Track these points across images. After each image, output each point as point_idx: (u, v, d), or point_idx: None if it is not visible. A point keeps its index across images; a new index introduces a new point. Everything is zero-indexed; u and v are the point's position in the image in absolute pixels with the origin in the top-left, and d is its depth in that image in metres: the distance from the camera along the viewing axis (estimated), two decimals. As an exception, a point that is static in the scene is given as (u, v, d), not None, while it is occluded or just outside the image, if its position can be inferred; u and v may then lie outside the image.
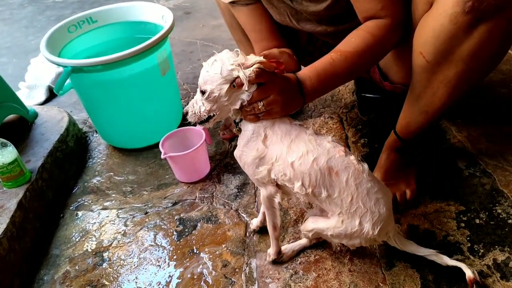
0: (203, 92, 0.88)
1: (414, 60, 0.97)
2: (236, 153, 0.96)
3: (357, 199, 0.88)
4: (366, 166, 0.90)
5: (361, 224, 0.89)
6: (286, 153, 0.89)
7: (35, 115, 1.59)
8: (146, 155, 1.54)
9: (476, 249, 1.01)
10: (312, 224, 0.98)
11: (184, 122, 1.62)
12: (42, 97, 1.91)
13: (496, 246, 1.01)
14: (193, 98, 0.96)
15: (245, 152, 0.93)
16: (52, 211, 1.35)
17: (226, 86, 0.86)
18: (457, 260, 0.99)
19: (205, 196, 1.32)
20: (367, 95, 1.45)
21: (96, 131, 1.67)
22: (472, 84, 0.96)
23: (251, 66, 0.85)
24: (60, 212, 1.35)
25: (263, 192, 0.98)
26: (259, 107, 0.87)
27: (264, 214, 1.10)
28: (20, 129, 1.52)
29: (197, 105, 0.92)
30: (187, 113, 0.95)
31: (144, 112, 1.50)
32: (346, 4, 1.02)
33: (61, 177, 1.45)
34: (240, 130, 0.95)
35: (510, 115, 1.38)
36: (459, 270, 0.96)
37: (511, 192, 1.12)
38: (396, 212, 1.14)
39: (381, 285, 0.98)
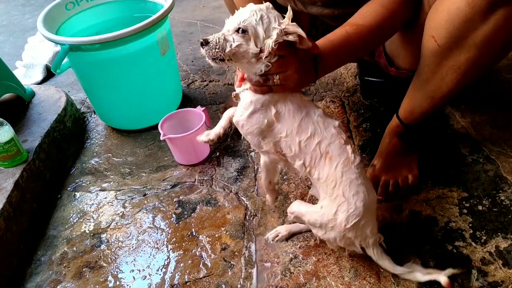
0: (242, 31, 0.81)
1: (425, 43, 0.95)
2: (238, 120, 0.91)
3: (339, 186, 0.87)
4: (359, 158, 0.88)
5: (336, 213, 0.87)
6: (296, 131, 0.87)
7: (32, 94, 1.56)
8: (145, 136, 1.51)
9: (478, 236, 1.00)
10: (295, 206, 0.96)
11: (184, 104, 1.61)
12: (39, 76, 1.88)
13: (499, 233, 1.00)
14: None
15: (249, 123, 0.89)
16: (50, 192, 1.33)
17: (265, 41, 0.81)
18: (459, 246, 0.98)
19: (205, 179, 1.30)
20: (370, 78, 1.42)
21: (94, 112, 1.65)
22: (482, 71, 0.94)
23: (290, 34, 0.80)
24: (58, 193, 1.34)
25: (264, 159, 0.98)
26: (275, 80, 0.84)
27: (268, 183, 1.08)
28: (17, 108, 1.49)
29: (223, 40, 0.82)
30: (205, 42, 0.82)
31: (143, 93, 1.47)
32: None
33: (59, 157, 1.43)
34: (238, 98, 0.91)
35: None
36: (461, 259, 0.96)
37: (515, 179, 1.11)
38: (398, 198, 1.13)
39: (381, 270, 0.97)
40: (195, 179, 1.31)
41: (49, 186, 1.34)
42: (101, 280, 1.07)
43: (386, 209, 1.10)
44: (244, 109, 0.89)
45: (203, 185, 1.28)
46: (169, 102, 1.57)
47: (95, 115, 1.64)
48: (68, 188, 1.35)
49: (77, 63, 1.41)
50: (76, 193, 1.34)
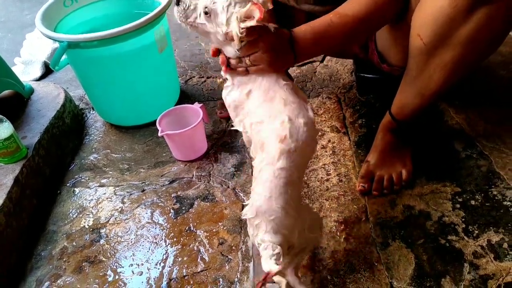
0: (205, 12, 0.83)
1: (411, 42, 0.96)
2: (223, 96, 0.94)
3: (255, 179, 0.82)
4: (281, 164, 0.79)
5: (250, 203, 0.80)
6: (253, 112, 0.86)
7: (31, 90, 1.57)
8: (143, 132, 1.53)
9: (470, 230, 1.02)
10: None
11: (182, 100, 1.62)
12: (38, 72, 1.89)
13: (491, 227, 1.02)
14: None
15: (229, 97, 0.91)
16: (49, 188, 1.35)
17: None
18: (452, 240, 1.00)
19: (202, 174, 1.32)
20: (365, 75, 1.44)
21: (92, 108, 1.66)
22: (470, 68, 0.96)
23: (249, 20, 0.79)
24: (57, 189, 1.35)
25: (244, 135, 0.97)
26: (247, 61, 0.85)
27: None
28: (16, 104, 1.50)
29: (192, 8, 0.85)
30: (177, 2, 0.85)
31: (141, 89, 1.48)
32: None
33: (58, 153, 1.44)
34: (225, 80, 0.93)
35: (508, 97, 1.38)
36: (454, 252, 0.98)
37: (507, 174, 1.13)
38: (392, 193, 1.15)
39: (376, 264, 0.99)
40: (193, 175, 1.32)
41: (48, 182, 1.36)
42: (101, 274, 1.08)
43: (381, 203, 1.12)
44: (225, 87, 0.92)
45: (200, 181, 1.30)
46: (167, 99, 1.58)
47: (93, 111, 1.65)
48: (68, 184, 1.37)
49: (76, 60, 1.42)
50: (75, 188, 1.35)
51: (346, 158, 1.28)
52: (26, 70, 1.91)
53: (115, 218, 1.23)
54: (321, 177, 1.23)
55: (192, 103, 1.38)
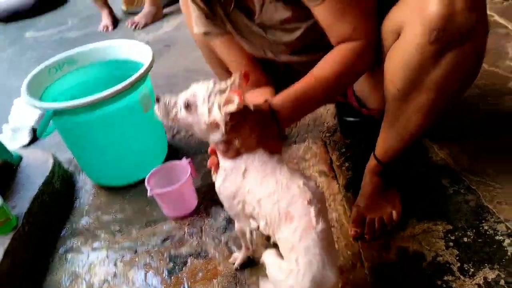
0: (187, 105, 0.86)
1: (386, 88, 1.00)
2: (217, 188, 0.95)
3: (295, 251, 0.81)
4: (322, 225, 0.81)
5: (286, 280, 0.80)
6: (257, 188, 0.88)
7: (19, 158, 1.58)
8: (134, 192, 1.53)
9: (466, 268, 1.01)
10: (266, 255, 0.90)
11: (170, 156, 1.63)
12: (26, 139, 1.90)
13: (486, 264, 1.01)
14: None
15: (224, 187, 0.92)
16: (41, 256, 1.33)
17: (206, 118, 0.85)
18: (449, 281, 0.99)
19: (194, 231, 1.31)
20: (347, 118, 1.47)
21: (81, 171, 1.66)
22: (445, 108, 0.98)
23: (230, 105, 0.82)
24: (49, 256, 1.34)
25: (236, 224, 1.01)
26: (236, 144, 0.87)
27: (246, 248, 1.11)
28: (4, 173, 1.51)
29: (172, 105, 0.88)
30: (157, 100, 0.89)
31: (128, 149, 1.50)
32: (319, 32, 1.03)
33: (48, 220, 1.44)
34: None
35: (488, 129, 1.40)
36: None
37: (496, 207, 1.13)
38: (385, 234, 1.14)
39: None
40: (185, 232, 1.32)
41: (39, 250, 1.34)
42: None
43: (375, 247, 1.12)
44: (219, 176, 0.93)
45: (192, 238, 1.29)
46: (155, 155, 1.59)
47: (83, 174, 1.65)
48: (59, 251, 1.35)
49: (62, 126, 1.44)
50: (67, 255, 1.33)
51: (337, 203, 1.28)
52: (14, 137, 1.92)
53: (109, 283, 1.21)
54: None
55: (181, 158, 1.39)
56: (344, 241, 1.16)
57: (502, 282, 0.96)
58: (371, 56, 1.00)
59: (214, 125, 0.85)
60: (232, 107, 0.81)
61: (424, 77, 0.90)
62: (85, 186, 1.60)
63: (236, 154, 0.89)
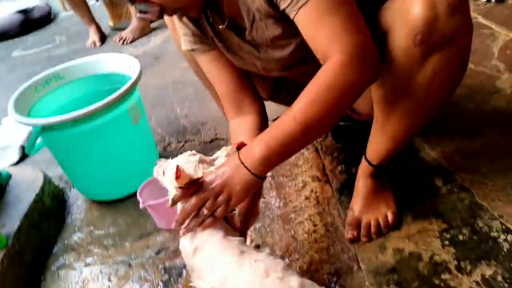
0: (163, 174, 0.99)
1: (374, 92, 1.00)
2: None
3: None
4: None
5: None
6: (210, 273, 0.84)
7: (8, 177, 1.55)
8: (126, 205, 1.51)
9: (463, 266, 1.01)
10: None
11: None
12: (15, 157, 1.88)
13: (482, 261, 1.00)
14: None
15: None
16: (32, 274, 1.30)
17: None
18: (446, 279, 0.99)
19: (189, 241, 1.30)
20: (339, 123, 1.47)
21: (73, 186, 1.64)
22: (434, 110, 0.99)
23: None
24: (41, 274, 1.31)
25: None
26: (204, 214, 0.89)
27: None
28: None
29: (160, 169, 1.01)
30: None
31: (119, 162, 1.48)
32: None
33: (39, 238, 1.41)
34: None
35: (478, 128, 1.41)
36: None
37: (490, 204, 1.13)
38: (381, 235, 1.14)
39: (374, 314, 0.96)
40: (179, 243, 1.30)
41: (31, 268, 1.32)
42: None
43: (371, 250, 1.11)
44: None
45: (187, 248, 1.27)
46: (147, 168, 1.56)
47: (74, 189, 1.63)
48: (51, 268, 1.32)
49: (51, 142, 1.42)
50: (59, 272, 1.31)
51: (331, 207, 1.28)
52: (3, 156, 1.90)
53: (103, 300, 1.19)
54: (308, 229, 1.22)
55: (172, 170, 1.38)
56: (340, 245, 1.15)
57: (499, 278, 0.96)
58: (358, 70, 0.83)
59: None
60: (179, 182, 0.86)
61: (411, 80, 0.91)
62: (77, 201, 1.58)
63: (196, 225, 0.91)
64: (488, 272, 0.98)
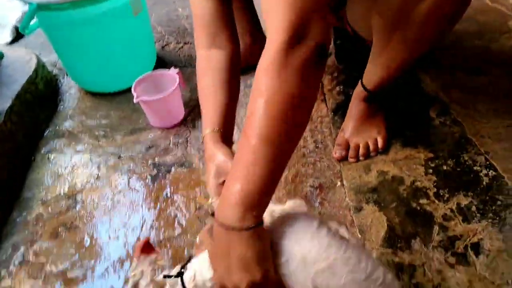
0: None
1: (373, 20, 0.97)
2: None
3: None
4: None
5: None
6: None
7: (1, 55, 1.52)
8: (120, 99, 1.50)
9: (441, 194, 1.05)
10: None
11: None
12: (8, 37, 1.83)
13: (461, 191, 1.04)
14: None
15: None
16: (23, 154, 1.33)
17: None
18: (423, 204, 1.03)
19: (179, 141, 1.31)
20: (343, 43, 1.43)
21: (66, 74, 1.62)
22: (432, 42, 0.96)
23: None
24: (32, 155, 1.33)
25: None
26: None
27: None
28: (-15, 70, 1.46)
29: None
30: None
31: (116, 54, 1.45)
32: None
33: (31, 120, 1.41)
34: None
35: (482, 66, 1.39)
36: (425, 214, 1.01)
37: (479, 140, 1.15)
38: (368, 158, 1.16)
39: (349, 227, 1.01)
40: (170, 142, 1.32)
41: (22, 148, 1.33)
42: (77, 240, 1.08)
43: (356, 169, 1.14)
44: None
45: (177, 148, 1.29)
46: (143, 64, 1.55)
47: (67, 77, 1.61)
48: (42, 151, 1.34)
49: (47, 23, 1.37)
50: (50, 155, 1.33)
51: (323, 125, 1.29)
52: (-5, 34, 1.84)
53: (91, 184, 1.22)
54: (298, 144, 1.24)
55: (169, 69, 1.36)
56: (327, 162, 1.17)
57: (473, 208, 1.00)
58: (300, 58, 0.63)
59: None
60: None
61: (411, 9, 0.87)
62: (70, 90, 1.57)
63: None
64: (464, 202, 1.02)
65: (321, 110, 1.33)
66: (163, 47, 1.72)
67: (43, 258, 1.05)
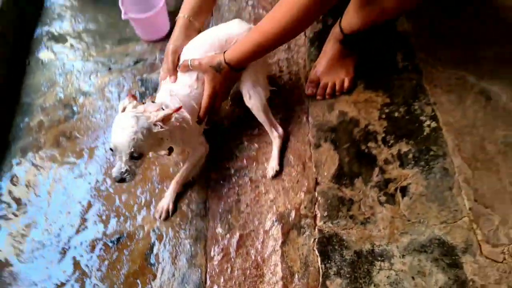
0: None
1: None
2: None
3: None
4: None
5: None
6: None
7: None
8: (106, 0, 1.53)
9: (388, 139, 1.24)
10: None
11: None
12: None
13: (404, 139, 1.24)
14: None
15: None
16: (17, 56, 1.41)
17: None
18: (371, 147, 1.23)
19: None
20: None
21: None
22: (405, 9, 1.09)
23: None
24: (25, 58, 1.42)
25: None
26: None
27: None
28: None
29: None
30: None
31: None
32: None
33: (20, 19, 1.45)
34: None
35: (458, 14, 1.44)
36: (370, 156, 1.21)
37: (432, 89, 1.30)
38: (333, 97, 1.32)
39: (307, 161, 1.22)
40: (156, 57, 1.42)
41: (15, 49, 1.41)
42: (77, 150, 1.27)
43: (321, 107, 1.30)
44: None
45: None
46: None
47: (51, -33, 1.59)
48: (35, 54, 1.43)
49: None
50: (43, 59, 1.42)
51: (299, 56, 1.40)
52: None
53: (85, 96, 1.36)
54: (274, 74, 1.37)
55: None
56: (297, 96, 1.33)
57: (410, 155, 1.21)
58: (318, 14, 1.08)
59: None
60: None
61: None
62: (54, -16, 1.57)
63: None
64: (404, 149, 1.23)
65: (299, 39, 1.43)
66: None
67: (49, 164, 1.25)
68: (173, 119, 1.03)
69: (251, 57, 1.08)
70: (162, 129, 1.00)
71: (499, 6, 1.44)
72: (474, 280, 1.03)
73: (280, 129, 1.24)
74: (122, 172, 0.98)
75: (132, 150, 0.97)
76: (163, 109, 1.02)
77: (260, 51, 1.07)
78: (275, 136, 1.23)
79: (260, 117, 1.21)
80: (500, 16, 1.41)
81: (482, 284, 1.03)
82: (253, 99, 1.18)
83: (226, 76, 1.11)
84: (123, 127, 0.97)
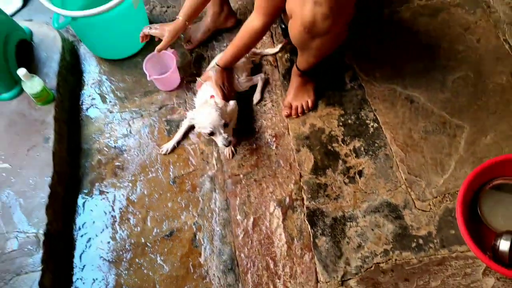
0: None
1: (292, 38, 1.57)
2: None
3: None
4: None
5: None
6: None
7: (31, 33, 1.97)
8: (128, 64, 2.04)
9: (345, 139, 1.78)
10: None
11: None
12: (19, 3, 2.19)
13: (356, 138, 1.78)
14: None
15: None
16: (72, 116, 1.92)
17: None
18: (335, 146, 1.77)
19: (180, 101, 1.94)
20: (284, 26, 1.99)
21: (80, 41, 2.10)
22: (328, 54, 1.62)
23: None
24: (78, 116, 1.93)
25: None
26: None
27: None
28: (25, 51, 1.91)
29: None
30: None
31: (123, 34, 1.95)
32: None
33: (70, 88, 1.96)
34: None
35: (388, 34, 2.00)
36: (335, 153, 1.75)
37: (372, 101, 1.84)
38: (304, 114, 1.85)
39: (292, 162, 1.75)
40: (174, 102, 1.94)
41: (71, 112, 1.92)
42: (129, 177, 1.78)
43: (297, 123, 1.83)
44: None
45: (180, 107, 1.92)
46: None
47: (81, 44, 2.10)
48: (85, 111, 1.94)
49: (74, 23, 1.82)
50: (91, 115, 1.93)
51: (276, 87, 1.93)
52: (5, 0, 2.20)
53: (127, 137, 1.87)
54: (260, 103, 1.90)
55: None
56: (279, 117, 1.86)
57: (362, 148, 1.75)
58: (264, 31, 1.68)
59: None
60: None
61: (308, 44, 1.51)
62: (87, 58, 2.08)
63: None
64: (357, 144, 1.77)
65: (275, 75, 1.96)
66: (151, 11, 2.19)
67: (112, 189, 1.76)
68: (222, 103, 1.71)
69: (230, 60, 1.74)
70: (223, 107, 1.67)
71: (414, 31, 2.01)
72: (412, 225, 1.58)
73: (262, 74, 1.93)
74: (226, 138, 1.63)
75: (223, 121, 1.61)
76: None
77: (236, 57, 1.74)
78: (258, 80, 1.91)
79: (247, 81, 1.88)
80: (413, 40, 1.98)
81: (418, 227, 1.57)
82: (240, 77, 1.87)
83: (221, 73, 1.75)
84: (210, 113, 1.62)
